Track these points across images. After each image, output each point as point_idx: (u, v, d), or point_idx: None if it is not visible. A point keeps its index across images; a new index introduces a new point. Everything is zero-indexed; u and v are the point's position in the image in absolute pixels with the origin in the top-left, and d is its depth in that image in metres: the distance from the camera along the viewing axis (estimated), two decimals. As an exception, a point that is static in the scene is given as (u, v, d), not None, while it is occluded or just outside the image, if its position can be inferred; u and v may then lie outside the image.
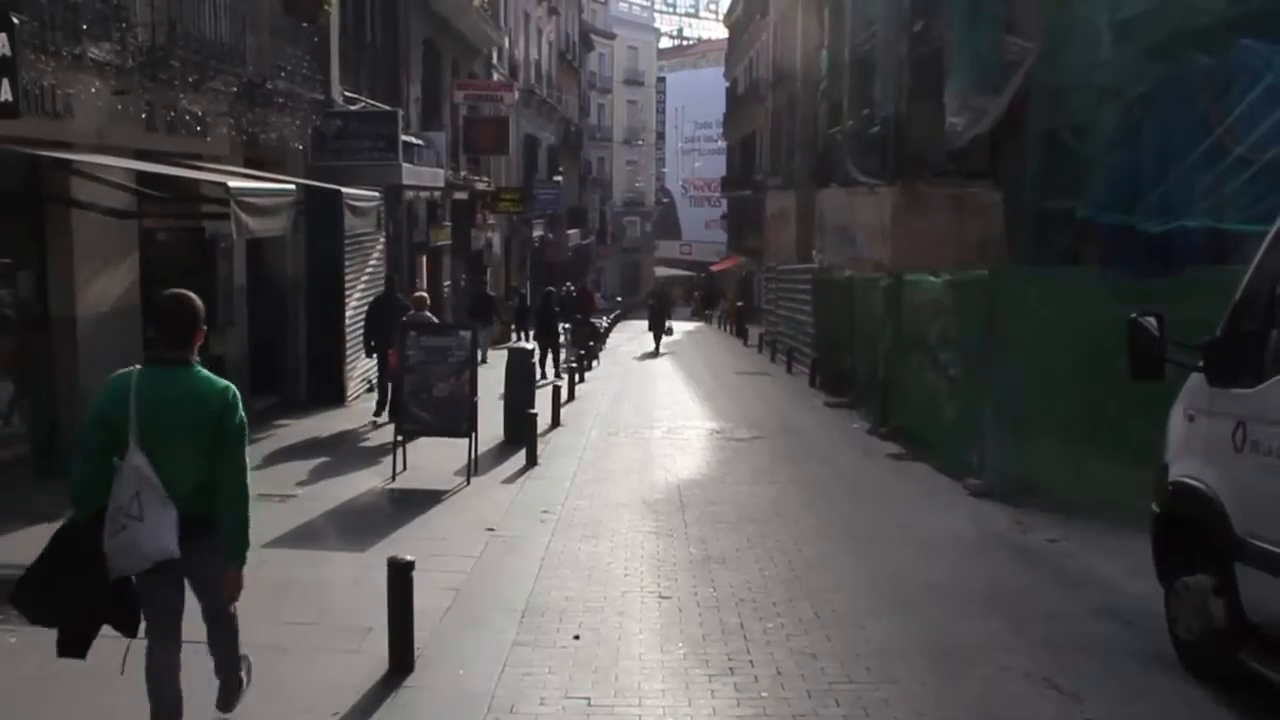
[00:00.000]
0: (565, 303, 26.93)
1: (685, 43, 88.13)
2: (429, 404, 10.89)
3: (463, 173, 27.47)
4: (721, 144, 63.67)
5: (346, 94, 17.18)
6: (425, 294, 15.90)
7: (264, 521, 7.76)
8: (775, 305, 29.32)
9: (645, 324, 32.72)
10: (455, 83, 27.16)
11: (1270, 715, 5.41)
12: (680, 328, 41.77)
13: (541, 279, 39.21)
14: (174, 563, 4.33)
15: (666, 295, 36.50)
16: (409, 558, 5.78)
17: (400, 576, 5.66)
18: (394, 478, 10.59)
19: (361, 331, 15.75)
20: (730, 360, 28.35)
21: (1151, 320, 6.03)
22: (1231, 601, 5.52)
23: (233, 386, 4.49)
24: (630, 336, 35.54)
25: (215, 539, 4.44)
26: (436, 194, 23.75)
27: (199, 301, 4.55)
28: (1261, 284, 5.61)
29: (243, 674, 4.99)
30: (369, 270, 16.85)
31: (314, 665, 5.81)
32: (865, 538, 9.03)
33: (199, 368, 4.49)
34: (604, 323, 35.40)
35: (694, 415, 16.92)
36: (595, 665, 5.99)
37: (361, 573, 7.29)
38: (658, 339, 30.71)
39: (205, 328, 4.58)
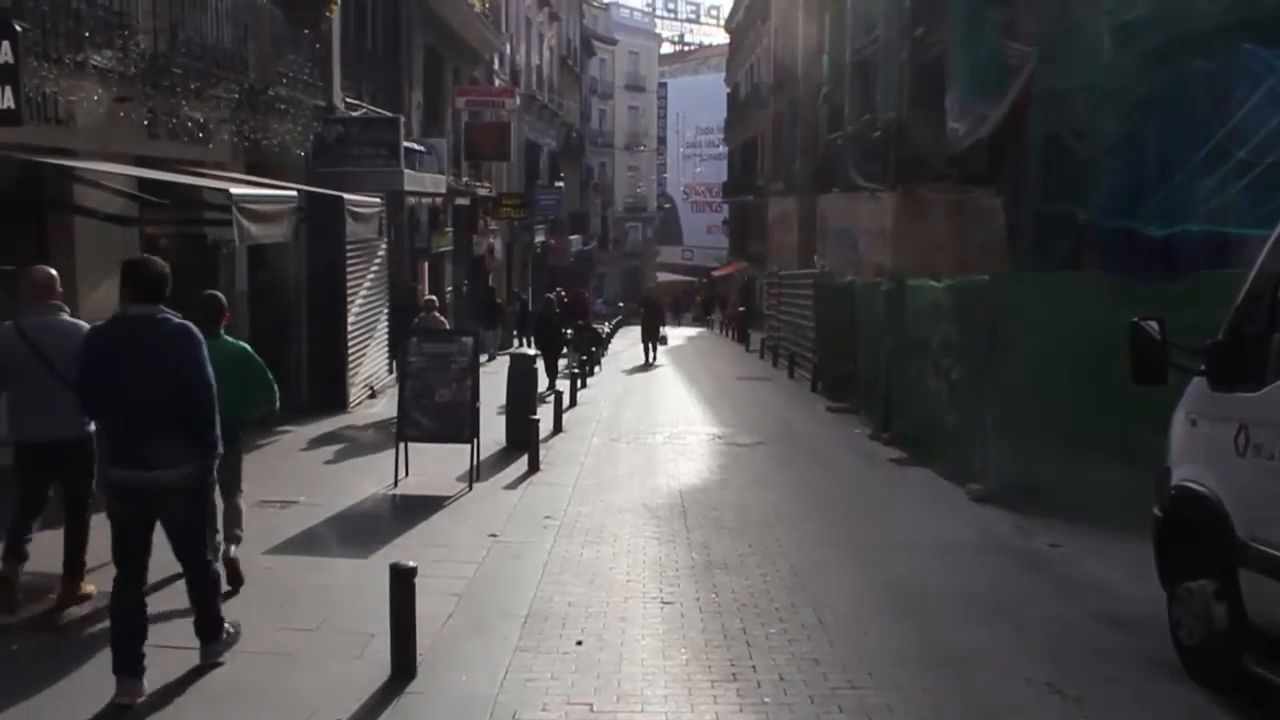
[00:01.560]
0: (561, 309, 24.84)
1: (686, 48, 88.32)
2: (431, 410, 10.89)
3: (464, 178, 27.52)
4: (723, 149, 63.76)
5: (348, 100, 17.22)
6: (434, 298, 16.01)
7: (266, 528, 7.79)
8: (777, 310, 29.28)
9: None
10: (457, 89, 27.23)
11: (1274, 720, 5.41)
12: (682, 333, 41.73)
13: (543, 284, 39.22)
14: None
15: (659, 301, 32.82)
16: (411, 564, 5.78)
17: (402, 582, 5.65)
18: (396, 484, 10.59)
19: (363, 336, 15.96)
20: (732, 366, 28.34)
21: (1153, 324, 6.02)
22: (1234, 606, 5.51)
23: (246, 344, 7.20)
24: (633, 342, 35.42)
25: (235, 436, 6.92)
26: (438, 200, 23.80)
27: (224, 298, 7.33)
28: (1263, 288, 5.60)
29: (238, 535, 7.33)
30: (371, 276, 16.87)
31: (316, 671, 5.80)
32: (867, 543, 9.02)
33: (225, 336, 7.00)
34: (606, 328, 35.29)
35: (695, 420, 16.92)
36: (598, 671, 5.98)
37: (364, 579, 7.29)
38: (651, 350, 28.17)
39: (228, 313, 7.27)
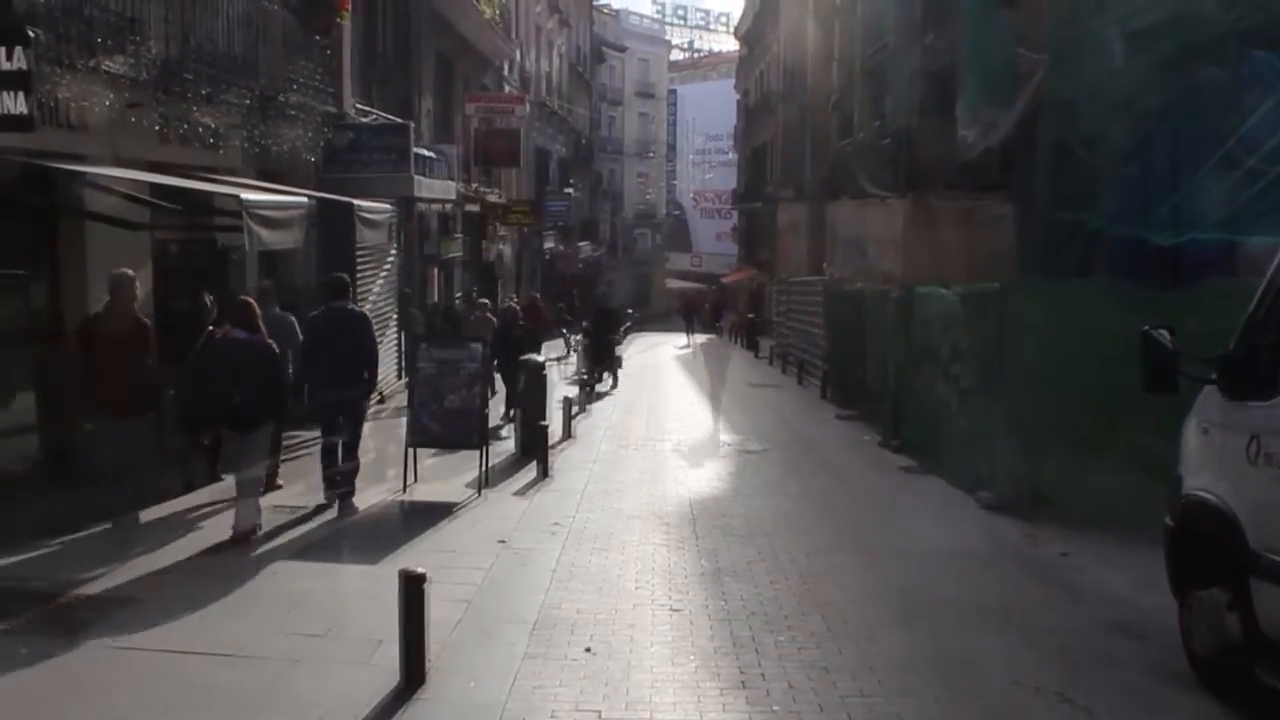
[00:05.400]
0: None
1: (696, 55, 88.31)
2: (440, 416, 10.89)
3: (474, 185, 27.58)
4: (732, 156, 63.71)
5: (358, 106, 17.27)
6: (486, 300, 16.36)
7: (275, 534, 7.80)
8: (786, 317, 29.23)
9: (651, 338, 25.52)
10: (467, 95, 27.30)
11: (1286, 731, 5.38)
12: (694, 340, 41.43)
13: (553, 291, 39.24)
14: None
15: (616, 312, 23.73)
16: (421, 570, 5.78)
17: (412, 588, 5.66)
18: (405, 489, 10.60)
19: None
20: (741, 372, 28.31)
21: (1164, 333, 6.01)
22: (1246, 616, 5.48)
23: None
24: (641, 349, 35.45)
25: None
26: (448, 206, 23.84)
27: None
28: (1275, 296, 5.58)
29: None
30: (381, 282, 16.90)
31: (325, 677, 5.81)
32: (876, 551, 9.01)
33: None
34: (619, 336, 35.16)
35: (705, 427, 16.91)
36: (606, 678, 5.98)
37: (373, 585, 7.30)
38: (595, 376, 20.87)
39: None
